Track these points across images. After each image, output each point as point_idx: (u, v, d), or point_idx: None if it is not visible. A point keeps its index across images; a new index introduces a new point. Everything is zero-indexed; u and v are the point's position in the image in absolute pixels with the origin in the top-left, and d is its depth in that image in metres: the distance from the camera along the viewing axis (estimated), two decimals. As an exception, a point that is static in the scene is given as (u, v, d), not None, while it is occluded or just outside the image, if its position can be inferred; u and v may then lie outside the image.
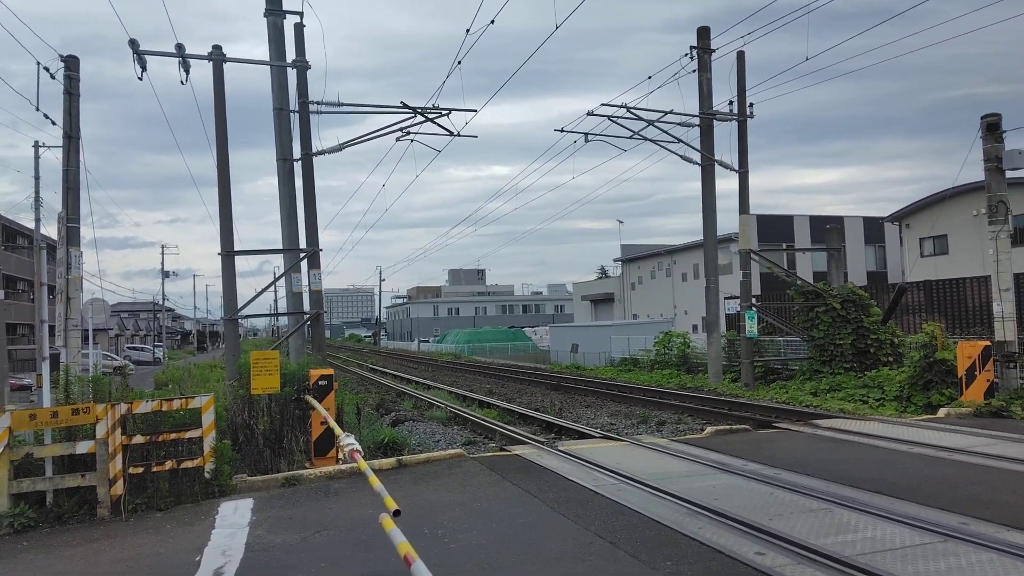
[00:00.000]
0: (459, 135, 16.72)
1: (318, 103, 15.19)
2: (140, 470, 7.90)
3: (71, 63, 13.21)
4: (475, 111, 16.58)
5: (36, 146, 30.07)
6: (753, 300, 21.17)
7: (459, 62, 15.76)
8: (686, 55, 20.17)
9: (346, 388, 21.75)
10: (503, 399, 19.91)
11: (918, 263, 32.80)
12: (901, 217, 35.32)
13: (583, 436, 12.33)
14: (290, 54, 14.78)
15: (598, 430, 12.85)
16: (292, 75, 14.89)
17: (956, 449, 9.42)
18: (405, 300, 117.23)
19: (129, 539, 6.80)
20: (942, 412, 12.76)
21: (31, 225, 32.94)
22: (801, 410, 14.03)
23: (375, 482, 4.74)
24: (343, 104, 15.60)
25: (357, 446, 6.10)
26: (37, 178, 30.50)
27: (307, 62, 14.84)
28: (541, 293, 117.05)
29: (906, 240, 35.28)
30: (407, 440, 11.85)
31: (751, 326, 19.80)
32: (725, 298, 22.21)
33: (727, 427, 12.18)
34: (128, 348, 67.51)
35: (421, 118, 16.05)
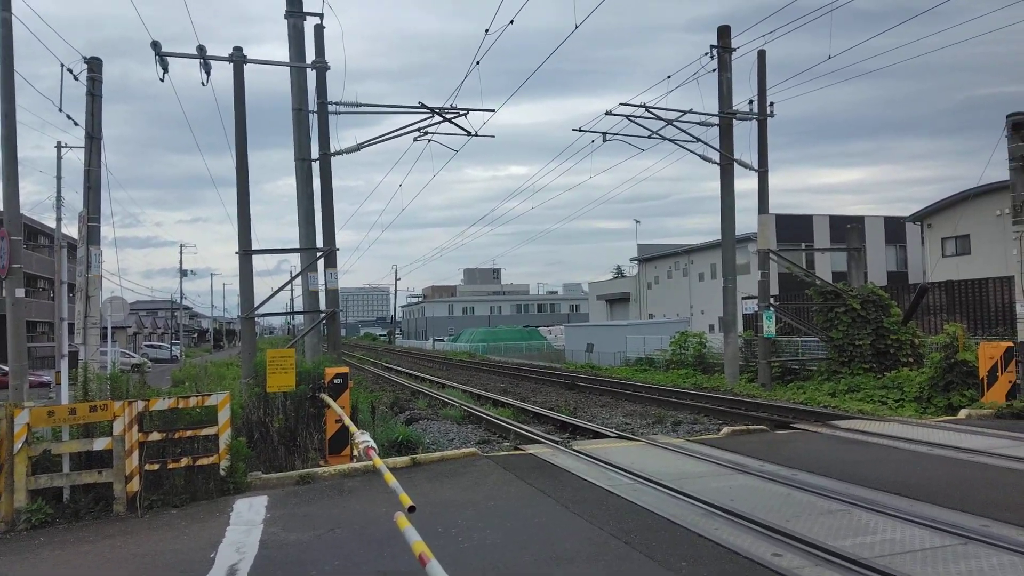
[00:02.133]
0: (476, 135, 16.73)
1: (336, 103, 15.25)
2: (156, 467, 7.94)
3: (94, 65, 13.35)
4: (493, 111, 16.58)
5: (59, 146, 30.50)
6: (771, 300, 21.01)
7: (477, 62, 15.77)
8: (706, 54, 20.08)
9: (361, 387, 21.82)
10: (517, 398, 19.88)
11: (940, 263, 32.40)
12: (923, 217, 34.91)
13: (598, 436, 12.28)
14: (310, 55, 14.85)
15: (613, 430, 12.79)
16: (312, 76, 14.97)
17: (977, 451, 9.28)
18: (420, 299, 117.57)
19: (145, 535, 6.84)
20: (963, 413, 12.59)
21: (53, 225, 33.39)
22: (819, 411, 13.89)
23: (391, 479, 4.72)
24: (361, 104, 15.65)
25: (372, 443, 6.10)
26: (59, 178, 30.95)
27: (326, 63, 14.90)
28: (556, 293, 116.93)
29: (928, 240, 34.86)
30: (421, 439, 11.85)
31: (769, 326, 19.64)
32: (743, 298, 22.04)
33: (744, 427, 12.08)
34: (146, 346, 68.13)
35: (439, 118, 16.07)
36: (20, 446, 7.42)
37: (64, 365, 11.11)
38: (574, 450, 10.32)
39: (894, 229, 42.39)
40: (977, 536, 5.78)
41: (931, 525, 6.12)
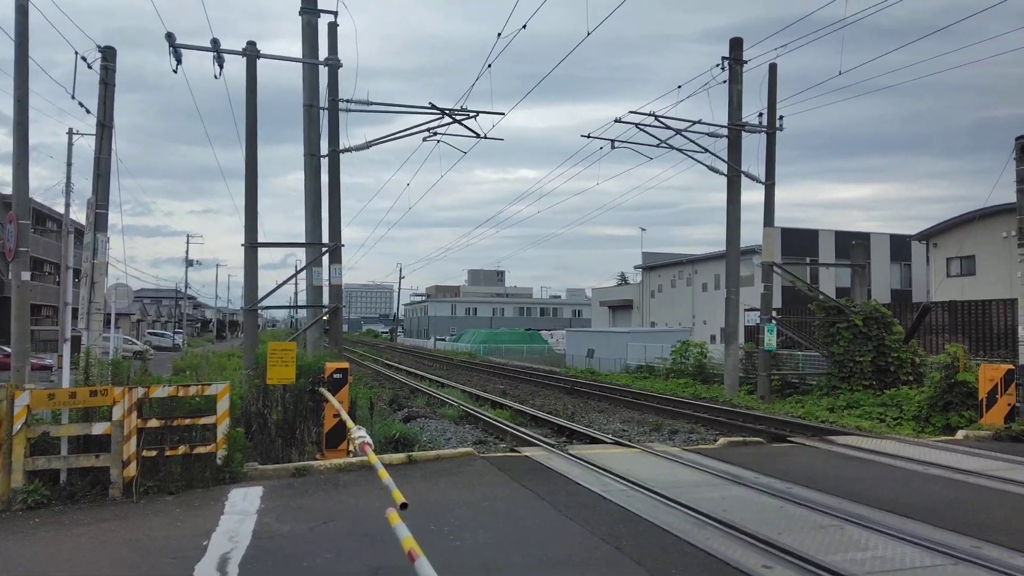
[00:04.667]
0: (485, 137, 16.77)
1: (348, 101, 15.30)
2: (153, 453, 7.99)
3: (108, 54, 13.42)
4: (502, 114, 16.62)
5: (70, 133, 30.55)
6: (773, 313, 21.01)
7: (489, 65, 15.82)
8: (717, 65, 20.09)
9: (360, 382, 21.86)
10: (516, 400, 19.90)
11: (944, 283, 32.36)
12: (929, 236, 34.88)
13: (594, 441, 12.29)
14: (323, 52, 14.90)
15: (610, 436, 12.80)
16: (324, 73, 15.02)
17: (973, 472, 9.27)
18: (424, 298, 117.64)
19: (139, 520, 6.88)
20: (960, 434, 12.57)
21: (62, 210, 33.51)
22: (817, 425, 13.89)
23: (384, 475, 4.76)
24: (372, 103, 15.70)
25: (368, 439, 6.13)
26: (69, 164, 31.01)
27: (339, 60, 14.95)
28: (560, 297, 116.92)
29: (933, 259, 34.83)
30: (418, 436, 11.89)
31: (770, 339, 19.64)
32: (745, 310, 22.04)
33: (740, 439, 12.08)
34: (149, 333, 68.32)
35: (448, 119, 16.11)
36: (19, 427, 7.47)
37: (67, 349, 11.16)
38: (570, 454, 10.33)
39: (900, 247, 42.34)
40: (968, 557, 5.79)
41: (923, 544, 6.12)
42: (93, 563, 5.68)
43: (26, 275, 11.44)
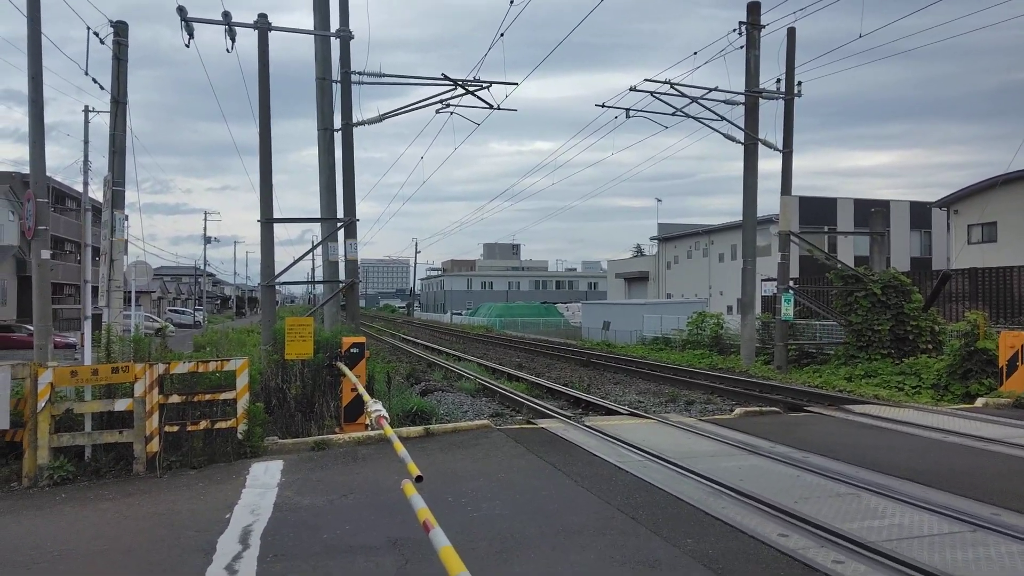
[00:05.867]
0: (499, 108, 16.62)
1: (360, 73, 15.20)
2: (175, 429, 8.11)
3: (120, 29, 13.40)
4: (516, 84, 16.46)
5: (86, 110, 30.65)
6: (791, 283, 20.86)
7: (502, 34, 15.64)
8: (734, 31, 19.77)
9: (378, 357, 22.01)
10: (532, 373, 19.98)
11: (964, 250, 31.92)
12: (949, 203, 34.35)
13: (610, 412, 12.33)
14: (335, 24, 14.79)
15: (625, 407, 12.83)
16: (336, 45, 14.92)
17: (992, 440, 9.22)
18: (440, 272, 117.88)
19: (163, 495, 7.01)
20: (980, 402, 12.49)
21: (80, 188, 33.74)
22: (834, 395, 13.84)
23: (399, 448, 4.81)
24: (384, 75, 15.60)
25: (384, 413, 6.18)
26: (86, 142, 31.22)
27: (350, 32, 14.83)
28: (575, 270, 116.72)
29: (953, 226, 34.33)
30: (435, 410, 11.98)
31: (787, 308, 19.53)
32: (762, 280, 21.91)
33: (757, 409, 12.08)
34: (170, 311, 69.06)
35: (461, 90, 15.98)
36: (44, 404, 7.60)
37: (87, 327, 11.30)
38: (586, 426, 10.38)
39: (920, 214, 41.78)
40: (987, 524, 5.77)
41: (941, 511, 6.12)
42: (118, 536, 5.80)
43: (46, 253, 11.58)
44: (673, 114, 20.35)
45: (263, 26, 13.79)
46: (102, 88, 15.10)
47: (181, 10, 13.25)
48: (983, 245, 31.96)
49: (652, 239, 59.66)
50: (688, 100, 20.07)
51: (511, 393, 14.71)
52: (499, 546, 5.37)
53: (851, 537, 5.43)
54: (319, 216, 15.27)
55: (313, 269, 66.42)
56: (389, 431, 5.70)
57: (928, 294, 19.75)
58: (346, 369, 9.74)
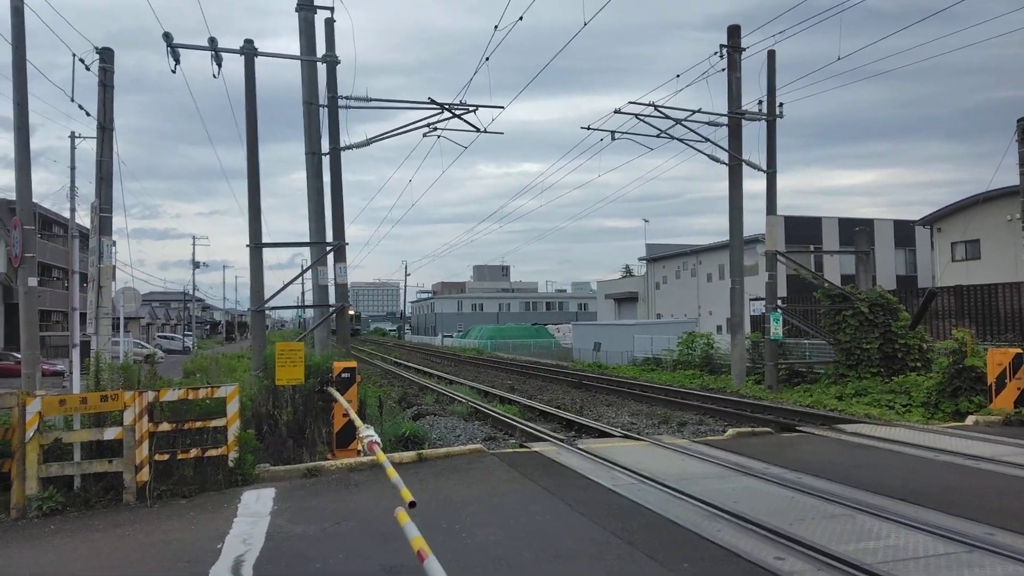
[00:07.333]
0: (485, 131, 16.75)
1: (347, 98, 15.30)
2: (166, 457, 8.03)
3: (105, 55, 13.42)
4: (502, 107, 16.63)
5: (72, 136, 30.60)
6: (779, 302, 20.97)
7: (487, 59, 15.78)
8: (716, 53, 20.00)
9: (369, 381, 21.92)
10: (524, 396, 19.92)
11: (949, 268, 32.24)
12: (933, 221, 34.74)
13: (603, 435, 12.31)
14: (321, 49, 14.90)
15: (618, 429, 12.81)
16: (322, 70, 15.02)
17: (984, 458, 9.26)
18: (430, 295, 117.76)
19: (153, 525, 6.92)
20: (970, 420, 12.55)
21: (67, 214, 33.55)
22: (825, 414, 13.88)
23: (392, 474, 4.78)
24: (371, 99, 15.70)
25: (376, 438, 6.14)
26: (72, 168, 31.08)
27: (336, 57, 14.95)
28: (565, 291, 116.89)
29: (937, 244, 34.70)
30: (428, 434, 11.92)
31: (776, 328, 19.61)
32: (750, 299, 22.02)
33: (749, 429, 12.08)
34: (159, 336, 68.48)
35: (448, 114, 16.10)
36: (32, 434, 7.51)
37: (76, 355, 11.21)
38: (579, 449, 10.35)
39: (904, 232, 42.18)
40: (982, 544, 5.78)
41: (936, 532, 6.12)
42: (108, 569, 5.71)
43: (33, 281, 11.48)
44: (658, 136, 20.53)
45: (249, 52, 13.88)
46: (88, 114, 15.08)
47: (167, 36, 13.32)
48: (967, 262, 32.29)
49: (641, 259, 59.80)
50: (672, 122, 20.26)
51: (504, 416, 14.65)
52: (494, 573, 5.33)
53: (847, 560, 5.43)
54: (308, 240, 15.27)
55: (303, 293, 66.14)
56: (382, 457, 5.66)
57: (914, 312, 19.89)
58: (337, 394, 9.68)
